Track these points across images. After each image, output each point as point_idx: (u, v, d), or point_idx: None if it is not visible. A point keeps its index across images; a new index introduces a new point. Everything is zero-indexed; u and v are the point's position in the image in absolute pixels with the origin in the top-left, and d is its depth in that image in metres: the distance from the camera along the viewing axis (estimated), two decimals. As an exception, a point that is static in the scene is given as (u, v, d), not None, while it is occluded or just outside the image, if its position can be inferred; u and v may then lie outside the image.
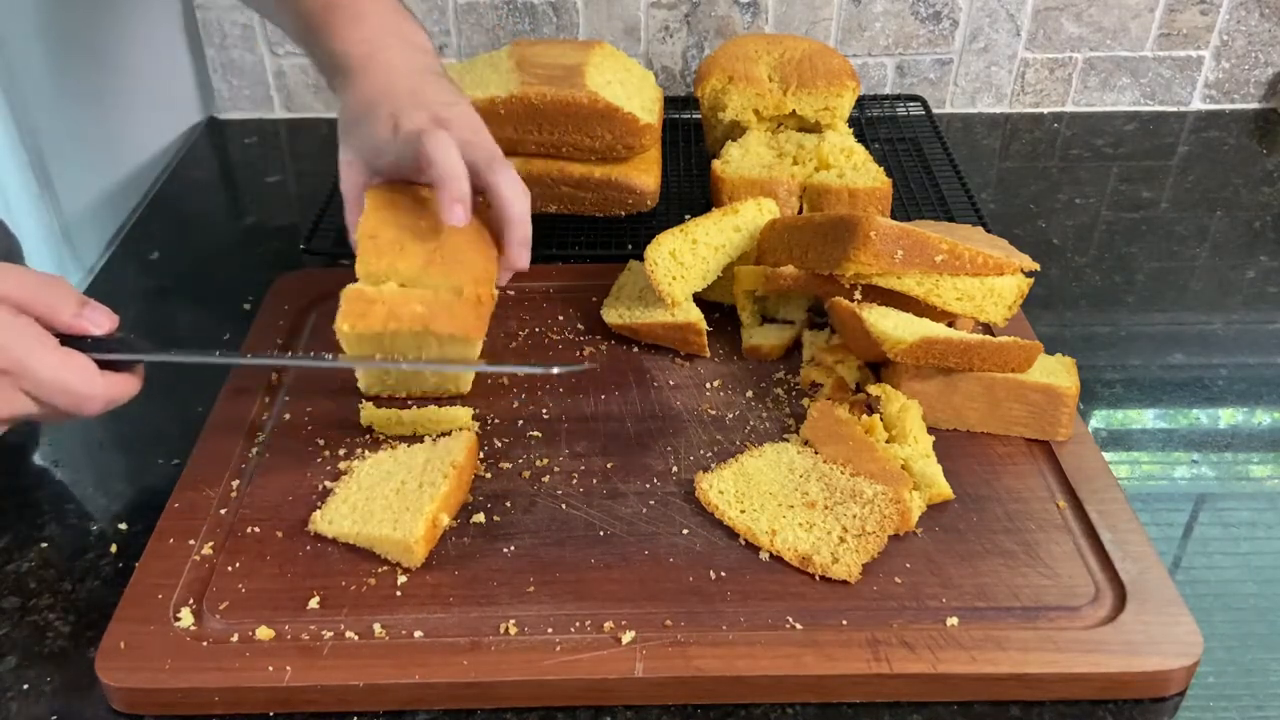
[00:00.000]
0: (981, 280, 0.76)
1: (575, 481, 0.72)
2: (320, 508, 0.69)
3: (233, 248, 1.04)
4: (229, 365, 0.80)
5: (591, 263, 0.96)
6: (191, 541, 0.67)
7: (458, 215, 0.68)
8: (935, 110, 1.24)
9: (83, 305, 0.63)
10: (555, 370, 0.80)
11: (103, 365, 0.63)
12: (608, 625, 0.61)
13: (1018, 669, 0.59)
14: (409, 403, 0.78)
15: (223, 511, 0.69)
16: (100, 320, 0.63)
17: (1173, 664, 0.59)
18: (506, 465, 0.73)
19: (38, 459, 0.77)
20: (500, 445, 0.75)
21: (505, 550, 0.67)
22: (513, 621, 0.61)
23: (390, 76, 0.74)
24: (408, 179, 0.74)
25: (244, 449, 0.74)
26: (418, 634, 0.61)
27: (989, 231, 0.91)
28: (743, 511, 0.68)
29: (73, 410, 0.62)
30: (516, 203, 0.72)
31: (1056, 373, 0.74)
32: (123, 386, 0.64)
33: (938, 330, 0.72)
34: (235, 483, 0.72)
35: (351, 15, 0.77)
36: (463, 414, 0.76)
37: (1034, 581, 0.64)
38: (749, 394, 0.80)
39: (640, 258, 0.83)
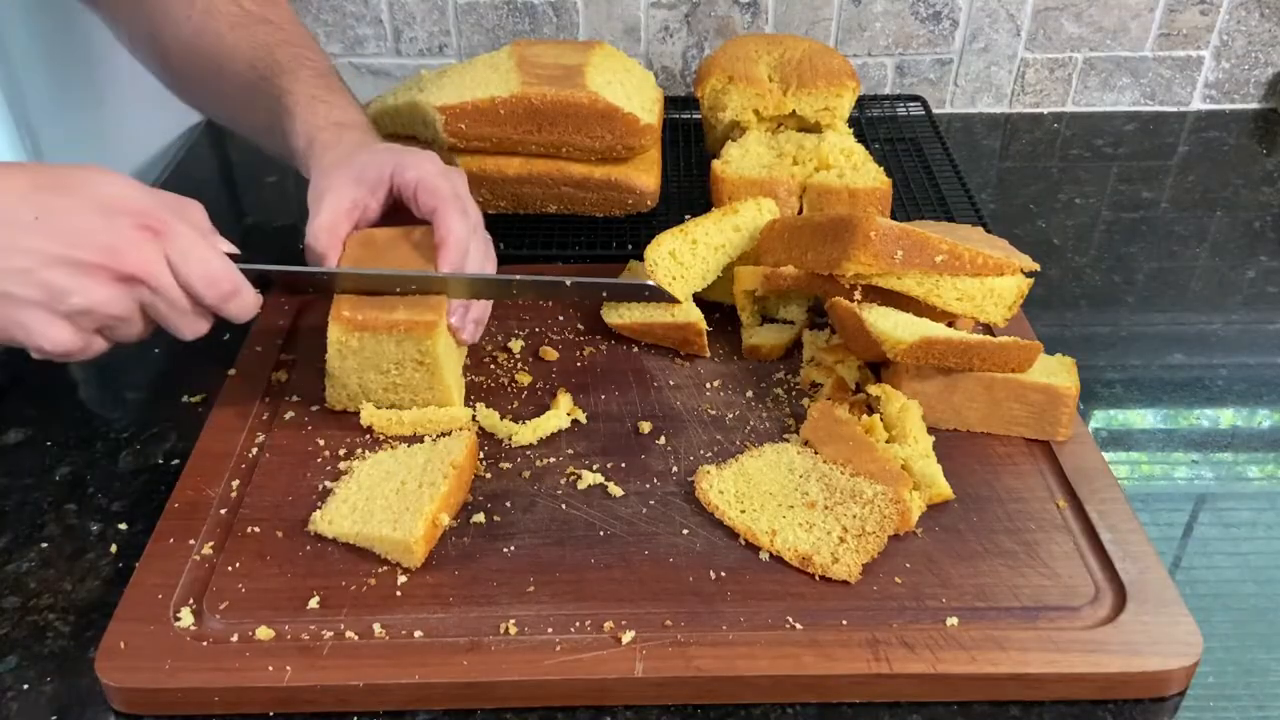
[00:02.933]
0: (981, 280, 0.76)
1: (575, 481, 0.72)
2: (320, 508, 0.69)
3: (233, 248, 1.04)
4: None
5: (591, 263, 0.96)
6: (191, 541, 0.67)
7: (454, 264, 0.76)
8: (935, 110, 1.24)
9: (210, 234, 0.69)
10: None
11: None
12: (608, 625, 0.61)
13: (1018, 669, 0.59)
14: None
15: (223, 511, 0.69)
16: (225, 247, 0.70)
17: (1173, 664, 0.59)
18: (506, 465, 0.73)
19: (38, 457, 0.77)
20: (500, 445, 0.75)
21: (505, 550, 0.67)
22: (513, 621, 0.61)
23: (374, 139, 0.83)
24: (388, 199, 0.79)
25: (244, 449, 0.74)
26: (418, 634, 0.61)
27: (989, 231, 0.91)
28: (743, 511, 0.68)
29: (201, 288, 0.66)
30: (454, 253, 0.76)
31: (1056, 373, 0.74)
32: (249, 286, 0.69)
33: (938, 330, 0.72)
34: (235, 483, 0.72)
35: (336, 98, 0.85)
36: (462, 414, 0.76)
37: (1034, 581, 0.64)
38: (749, 394, 0.80)
39: (640, 258, 0.83)
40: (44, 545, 0.70)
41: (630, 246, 0.97)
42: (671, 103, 1.17)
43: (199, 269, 0.66)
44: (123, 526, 0.71)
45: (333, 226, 0.75)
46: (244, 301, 0.69)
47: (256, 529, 0.68)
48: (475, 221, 0.78)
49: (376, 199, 0.77)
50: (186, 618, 0.62)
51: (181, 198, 0.69)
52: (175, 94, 0.95)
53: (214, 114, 0.98)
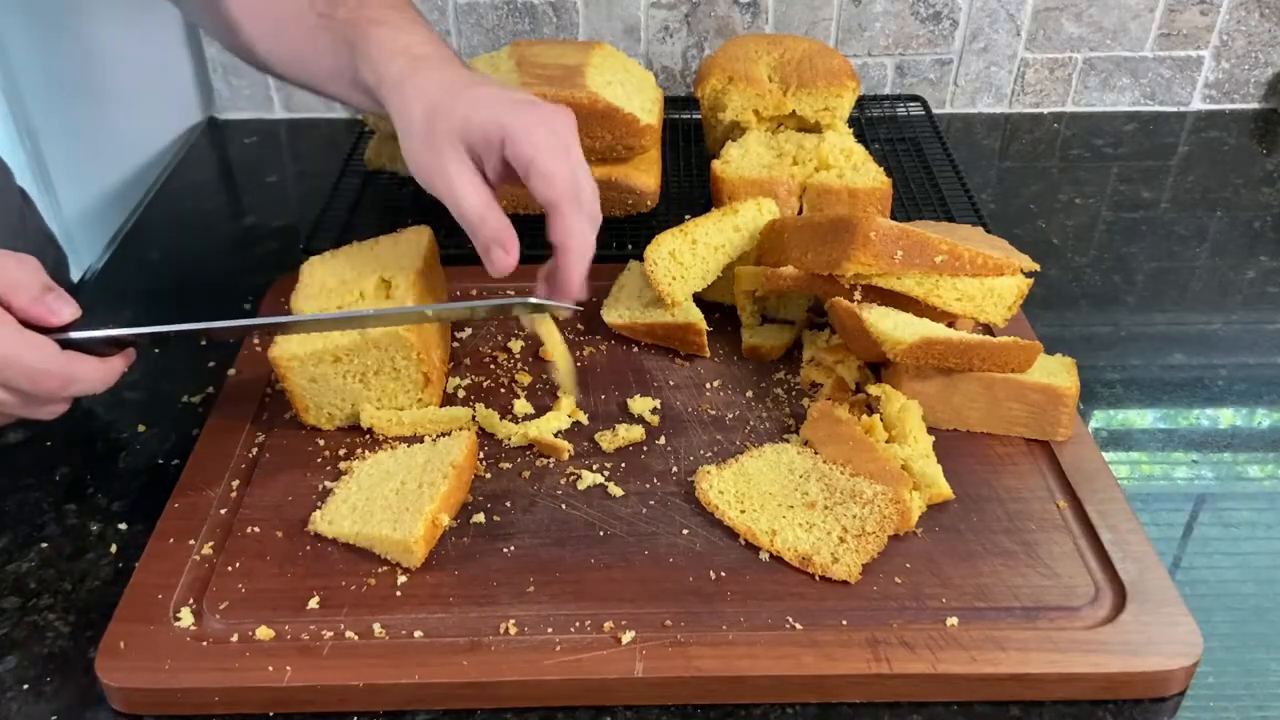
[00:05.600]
0: (981, 280, 0.76)
1: (575, 481, 0.72)
2: (320, 508, 0.69)
3: (233, 248, 1.04)
4: (200, 332, 0.71)
5: (591, 262, 0.95)
6: (191, 541, 0.67)
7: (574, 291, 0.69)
8: (935, 110, 1.24)
9: (46, 291, 0.60)
10: (532, 300, 0.71)
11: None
12: (608, 625, 0.61)
13: (1018, 669, 0.59)
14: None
15: (223, 511, 0.69)
16: (61, 309, 0.60)
17: (1173, 664, 0.59)
18: (506, 465, 0.73)
19: (38, 459, 0.77)
20: (500, 445, 0.75)
21: (505, 550, 0.67)
22: (513, 621, 0.61)
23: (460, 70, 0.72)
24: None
25: (244, 449, 0.74)
26: (418, 634, 0.61)
27: (989, 231, 0.91)
28: (743, 511, 0.68)
29: (29, 388, 0.59)
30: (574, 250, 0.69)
31: (1056, 373, 0.74)
32: (87, 367, 0.61)
33: (938, 330, 0.72)
34: (235, 483, 0.72)
35: (406, 22, 0.75)
36: (463, 414, 0.76)
37: (1034, 581, 0.64)
38: (749, 394, 0.80)
39: (640, 258, 0.83)
40: (44, 545, 0.70)
41: (630, 246, 0.97)
42: (671, 103, 1.17)
43: (17, 372, 0.59)
44: (123, 526, 0.71)
45: (489, 203, 0.67)
46: (87, 383, 0.62)
47: (256, 529, 0.68)
48: (592, 209, 0.69)
49: (491, 169, 0.68)
50: (186, 618, 0.62)
51: (7, 255, 0.61)
52: (233, 48, 0.84)
53: (277, 65, 0.85)
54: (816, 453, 0.72)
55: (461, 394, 0.80)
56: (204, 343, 0.80)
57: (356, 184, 1.07)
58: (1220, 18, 1.22)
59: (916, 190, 1.06)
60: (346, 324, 0.71)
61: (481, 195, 0.67)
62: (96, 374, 0.62)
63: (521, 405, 0.78)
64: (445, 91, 0.68)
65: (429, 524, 0.65)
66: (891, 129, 1.18)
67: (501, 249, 0.68)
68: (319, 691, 0.59)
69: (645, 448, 0.75)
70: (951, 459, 0.72)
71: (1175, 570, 0.68)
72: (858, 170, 0.96)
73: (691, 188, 1.08)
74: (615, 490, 0.71)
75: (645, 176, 0.97)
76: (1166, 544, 0.70)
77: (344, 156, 1.11)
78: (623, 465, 0.73)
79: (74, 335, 0.61)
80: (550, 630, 0.61)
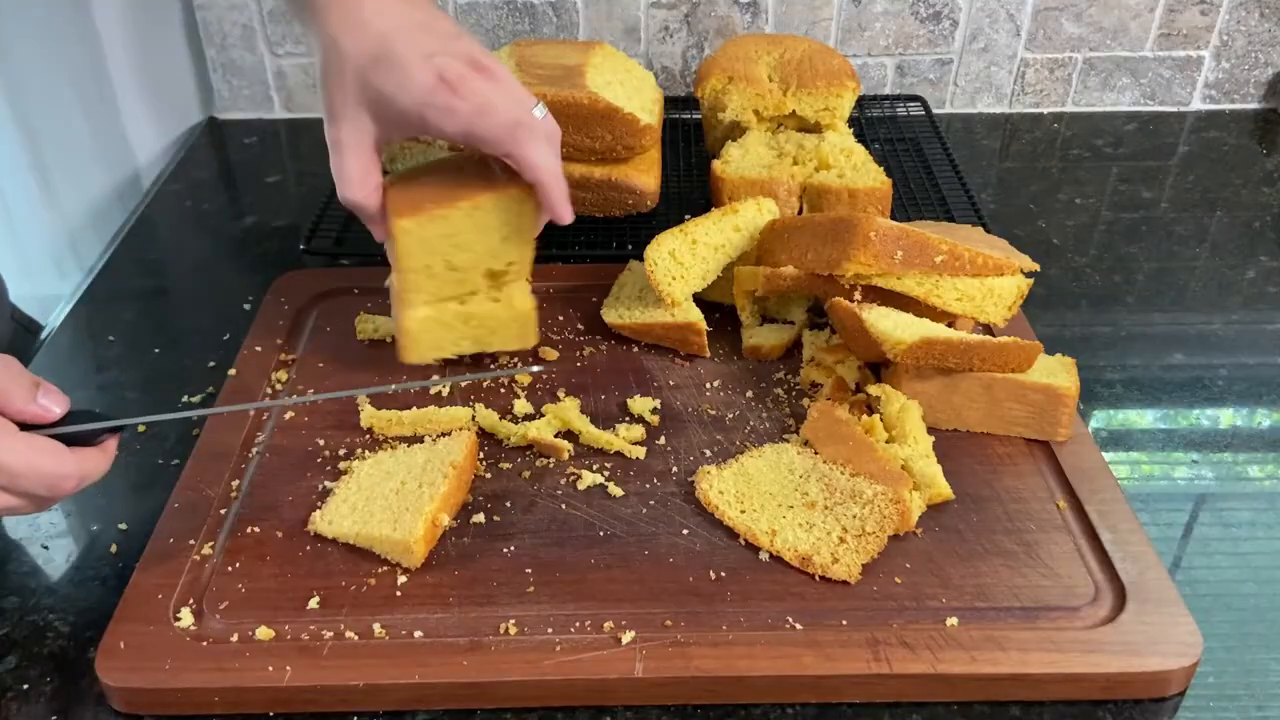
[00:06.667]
0: (981, 281, 0.76)
1: (575, 481, 0.72)
2: (320, 508, 0.69)
3: (233, 248, 1.04)
4: (187, 419, 0.77)
5: (591, 263, 0.96)
6: (191, 541, 0.67)
7: (569, 215, 0.74)
8: (935, 110, 1.24)
9: (36, 388, 0.59)
10: (535, 369, 0.82)
11: (66, 443, 0.59)
12: (608, 625, 0.61)
13: (1018, 669, 0.59)
14: (409, 404, 0.78)
15: (223, 511, 0.69)
16: (53, 407, 0.59)
17: (1173, 664, 0.59)
18: (506, 465, 0.73)
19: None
20: (500, 445, 0.75)
21: (505, 550, 0.67)
22: (513, 621, 0.62)
23: (391, 6, 0.70)
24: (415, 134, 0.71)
25: (244, 449, 0.74)
26: (418, 634, 0.61)
27: (989, 231, 0.91)
28: (743, 511, 0.68)
29: (47, 494, 0.58)
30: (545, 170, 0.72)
31: (1056, 373, 0.74)
32: (94, 462, 0.61)
33: (938, 330, 0.72)
34: (235, 483, 0.72)
35: None
36: (462, 414, 0.76)
37: (1034, 581, 0.64)
38: (749, 394, 0.80)
39: (640, 258, 0.83)
40: (44, 545, 0.70)
41: (630, 246, 0.97)
42: (671, 103, 1.17)
43: (36, 482, 0.57)
44: (123, 526, 0.71)
45: (364, 176, 0.70)
46: (95, 476, 0.61)
47: (256, 529, 0.68)
48: (548, 129, 0.72)
49: (402, 134, 0.71)
50: (186, 618, 0.62)
51: None
52: None
53: None
54: (816, 453, 0.72)
55: (461, 394, 0.80)
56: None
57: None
58: (1220, 18, 1.22)
59: (916, 190, 1.06)
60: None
61: (360, 169, 0.71)
62: (101, 465, 0.62)
63: (521, 405, 0.78)
64: (372, 49, 0.68)
65: (429, 524, 0.65)
66: (891, 129, 1.18)
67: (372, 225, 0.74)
68: (319, 691, 0.59)
69: (645, 447, 0.75)
70: (951, 459, 0.72)
71: (1175, 570, 0.68)
72: (858, 170, 0.96)
73: (691, 188, 1.08)
74: (615, 490, 0.71)
75: (645, 176, 0.97)
76: (1166, 544, 0.70)
77: (344, 156, 1.11)
78: (623, 465, 0.73)
79: (71, 429, 0.60)
80: (550, 630, 0.61)
